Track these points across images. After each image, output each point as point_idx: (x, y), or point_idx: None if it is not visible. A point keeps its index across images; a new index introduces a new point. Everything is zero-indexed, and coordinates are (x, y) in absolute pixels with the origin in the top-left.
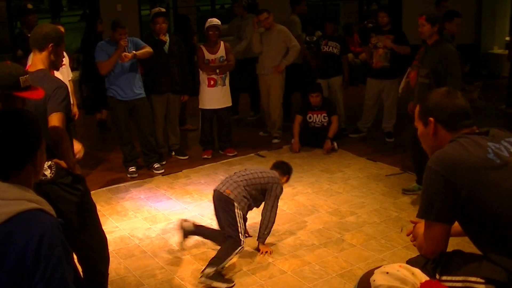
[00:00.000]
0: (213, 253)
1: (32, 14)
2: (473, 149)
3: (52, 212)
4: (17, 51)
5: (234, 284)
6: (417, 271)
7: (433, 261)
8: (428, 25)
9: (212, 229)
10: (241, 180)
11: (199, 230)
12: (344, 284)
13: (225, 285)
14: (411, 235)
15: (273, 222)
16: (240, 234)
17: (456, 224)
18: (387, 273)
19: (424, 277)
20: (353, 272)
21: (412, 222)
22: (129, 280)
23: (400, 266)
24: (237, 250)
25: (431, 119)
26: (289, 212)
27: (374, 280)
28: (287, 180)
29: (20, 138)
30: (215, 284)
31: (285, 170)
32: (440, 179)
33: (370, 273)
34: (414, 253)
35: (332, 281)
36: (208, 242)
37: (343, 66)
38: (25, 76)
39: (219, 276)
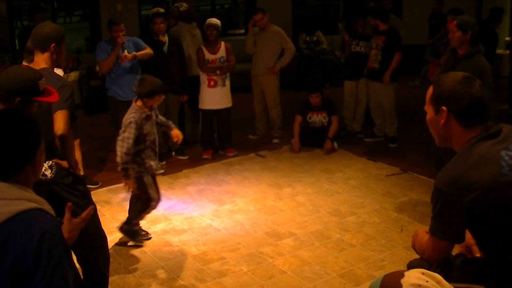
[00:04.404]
0: (213, 254)
1: (40, 13)
2: (484, 165)
3: (52, 211)
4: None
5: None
6: (440, 278)
7: (437, 265)
8: (459, 32)
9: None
10: None
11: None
12: (344, 284)
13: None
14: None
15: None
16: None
17: None
18: (420, 285)
19: (448, 286)
20: (353, 272)
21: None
22: (129, 280)
23: (423, 273)
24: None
25: (444, 108)
26: (289, 212)
27: None
28: (144, 102)
29: (19, 138)
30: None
31: (144, 89)
32: (450, 201)
33: (394, 283)
34: (414, 253)
35: (332, 281)
36: (208, 242)
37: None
38: (42, 79)
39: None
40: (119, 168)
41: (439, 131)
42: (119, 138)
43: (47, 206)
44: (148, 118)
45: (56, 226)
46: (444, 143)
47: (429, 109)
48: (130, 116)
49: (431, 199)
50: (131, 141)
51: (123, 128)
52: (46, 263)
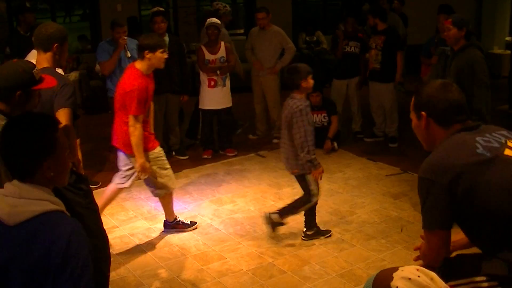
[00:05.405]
0: (213, 254)
1: (26, 14)
2: (460, 149)
3: (69, 215)
4: (5, 49)
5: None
6: (434, 276)
7: (439, 268)
8: (455, 29)
9: (294, 200)
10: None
11: (285, 211)
12: (344, 284)
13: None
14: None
15: (305, 140)
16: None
17: (462, 236)
18: (410, 279)
19: (442, 283)
20: (353, 272)
21: (422, 237)
22: (129, 280)
23: (417, 269)
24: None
25: (423, 113)
26: None
27: (397, 287)
28: (302, 89)
29: (28, 143)
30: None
31: (296, 77)
32: (432, 186)
33: (386, 276)
34: (414, 253)
35: (332, 281)
36: (208, 242)
37: (361, 66)
38: (35, 68)
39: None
40: (305, 160)
41: (424, 136)
42: (295, 131)
43: (65, 210)
44: (309, 108)
45: (81, 228)
46: (431, 147)
47: (413, 117)
48: (297, 104)
49: (418, 193)
50: (308, 127)
51: (292, 120)
52: (75, 263)
